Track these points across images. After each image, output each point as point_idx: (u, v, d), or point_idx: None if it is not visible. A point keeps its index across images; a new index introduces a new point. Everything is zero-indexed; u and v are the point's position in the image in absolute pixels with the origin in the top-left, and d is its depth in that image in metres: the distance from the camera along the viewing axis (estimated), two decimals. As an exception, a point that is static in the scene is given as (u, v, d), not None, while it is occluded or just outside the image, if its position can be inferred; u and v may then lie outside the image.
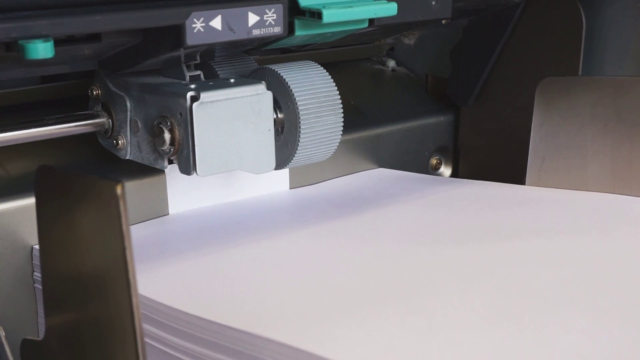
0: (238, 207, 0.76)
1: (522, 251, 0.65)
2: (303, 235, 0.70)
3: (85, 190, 0.44)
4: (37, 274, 0.67)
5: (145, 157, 0.68)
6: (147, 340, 0.57)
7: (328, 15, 0.62)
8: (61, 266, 0.48)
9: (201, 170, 0.65)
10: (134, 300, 0.42)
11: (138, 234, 0.70)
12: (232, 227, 0.72)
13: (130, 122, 0.68)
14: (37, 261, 0.66)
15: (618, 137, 0.78)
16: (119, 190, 0.41)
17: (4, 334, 0.54)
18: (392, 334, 0.52)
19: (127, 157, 0.69)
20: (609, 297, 0.57)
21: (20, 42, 0.50)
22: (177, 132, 0.65)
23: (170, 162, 0.66)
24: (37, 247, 0.66)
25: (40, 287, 0.64)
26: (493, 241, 0.67)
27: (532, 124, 0.83)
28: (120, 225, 0.41)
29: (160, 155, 0.66)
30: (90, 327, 0.46)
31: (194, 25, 0.58)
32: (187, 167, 0.65)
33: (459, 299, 0.57)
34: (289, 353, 0.50)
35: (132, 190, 0.72)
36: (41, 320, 0.66)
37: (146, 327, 0.58)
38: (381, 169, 0.89)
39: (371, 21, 0.66)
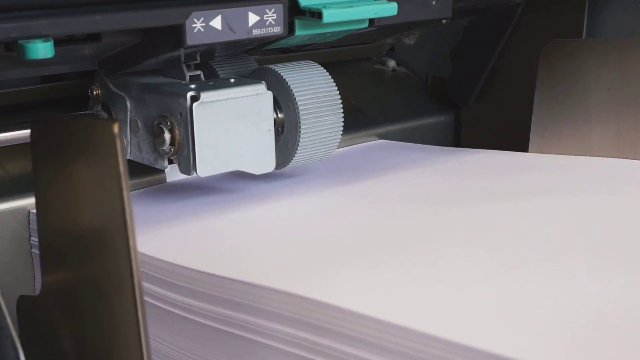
0: (238, 174, 0.76)
1: (525, 209, 0.64)
2: (304, 197, 0.70)
3: (82, 133, 0.44)
4: (34, 239, 0.67)
5: (145, 157, 0.68)
6: (146, 298, 0.56)
7: (328, 15, 0.62)
8: (58, 221, 0.47)
9: (201, 170, 0.65)
10: (131, 243, 0.41)
11: (136, 199, 0.69)
12: (231, 191, 0.72)
13: (130, 122, 0.68)
14: (34, 226, 0.66)
15: (622, 101, 0.77)
16: (115, 128, 0.41)
17: (0, 290, 0.53)
18: (393, 281, 0.51)
19: (127, 157, 0.69)
20: (612, 247, 0.56)
21: (20, 42, 0.50)
22: (177, 132, 0.65)
23: (170, 162, 0.66)
24: (34, 211, 0.66)
25: (37, 252, 0.64)
26: (497, 201, 0.66)
27: (536, 89, 0.81)
28: (117, 166, 0.41)
29: (160, 155, 0.66)
30: (87, 282, 0.46)
31: (194, 25, 0.58)
32: (187, 167, 0.65)
33: (462, 250, 0.56)
34: (290, 301, 0.49)
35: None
36: (38, 285, 0.66)
37: (145, 284, 0.57)
38: (383, 140, 0.89)
39: (371, 21, 0.66)
